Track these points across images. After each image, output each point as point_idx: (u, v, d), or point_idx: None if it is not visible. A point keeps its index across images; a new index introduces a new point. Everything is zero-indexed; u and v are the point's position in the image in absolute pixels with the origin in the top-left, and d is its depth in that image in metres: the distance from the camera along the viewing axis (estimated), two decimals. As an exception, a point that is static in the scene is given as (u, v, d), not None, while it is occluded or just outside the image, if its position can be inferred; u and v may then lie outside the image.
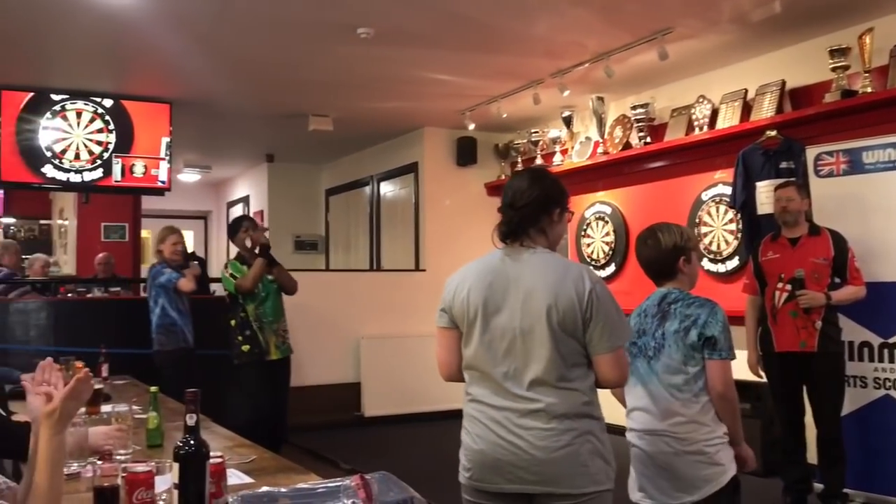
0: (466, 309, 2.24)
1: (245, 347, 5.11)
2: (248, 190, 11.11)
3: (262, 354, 5.12)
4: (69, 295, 7.27)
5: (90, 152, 6.44)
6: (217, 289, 7.00)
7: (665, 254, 2.66)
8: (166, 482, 1.84)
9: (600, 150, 6.78)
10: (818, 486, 4.31)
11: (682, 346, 2.54)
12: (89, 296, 7.30)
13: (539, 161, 7.47)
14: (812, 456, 4.33)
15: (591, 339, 2.17)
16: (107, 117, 6.48)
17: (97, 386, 3.45)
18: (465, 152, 8.00)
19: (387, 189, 8.99)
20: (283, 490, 1.71)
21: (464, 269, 2.34)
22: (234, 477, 2.22)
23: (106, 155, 6.49)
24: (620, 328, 2.22)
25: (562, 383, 2.16)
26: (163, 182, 6.74)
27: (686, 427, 2.51)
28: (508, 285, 2.22)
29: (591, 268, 2.32)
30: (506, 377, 2.19)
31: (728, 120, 5.64)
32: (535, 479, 2.15)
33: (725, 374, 2.52)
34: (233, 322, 5.18)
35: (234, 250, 5.52)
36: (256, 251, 5.19)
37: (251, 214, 10.91)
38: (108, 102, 6.48)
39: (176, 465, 1.77)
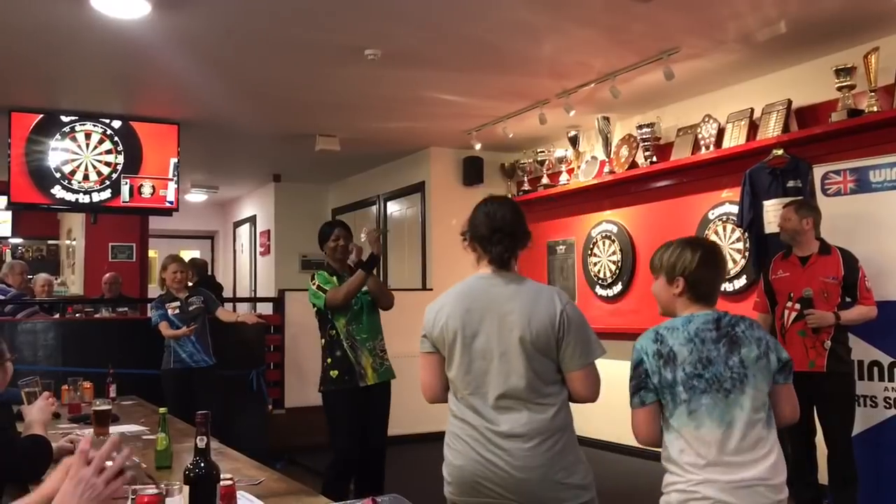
0: (445, 334, 2.36)
1: (333, 373, 4.36)
2: (255, 210, 11.14)
3: (355, 379, 4.34)
4: (77, 315, 7.28)
5: (99, 173, 6.48)
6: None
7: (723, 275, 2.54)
8: (176, 505, 1.84)
9: (606, 169, 6.80)
10: (830, 507, 4.28)
11: (767, 373, 2.26)
12: (97, 316, 7.32)
13: (545, 180, 7.48)
14: (823, 476, 4.29)
15: (563, 358, 2.29)
16: (115, 138, 6.52)
17: (104, 407, 3.45)
18: (472, 172, 8.03)
19: (394, 208, 9.01)
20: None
21: (443, 295, 2.45)
22: (244, 499, 2.21)
23: (114, 176, 6.53)
24: (592, 345, 2.33)
25: (538, 401, 2.27)
26: (170, 202, 6.77)
27: (776, 469, 2.19)
28: (485, 310, 2.33)
29: (561, 289, 2.35)
30: (484, 397, 2.29)
31: (734, 139, 5.65)
32: (514, 497, 2.23)
33: (795, 398, 2.35)
34: (322, 341, 4.52)
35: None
36: (362, 259, 4.41)
37: (258, 234, 10.96)
38: (116, 124, 6.52)
39: (186, 488, 1.77)
